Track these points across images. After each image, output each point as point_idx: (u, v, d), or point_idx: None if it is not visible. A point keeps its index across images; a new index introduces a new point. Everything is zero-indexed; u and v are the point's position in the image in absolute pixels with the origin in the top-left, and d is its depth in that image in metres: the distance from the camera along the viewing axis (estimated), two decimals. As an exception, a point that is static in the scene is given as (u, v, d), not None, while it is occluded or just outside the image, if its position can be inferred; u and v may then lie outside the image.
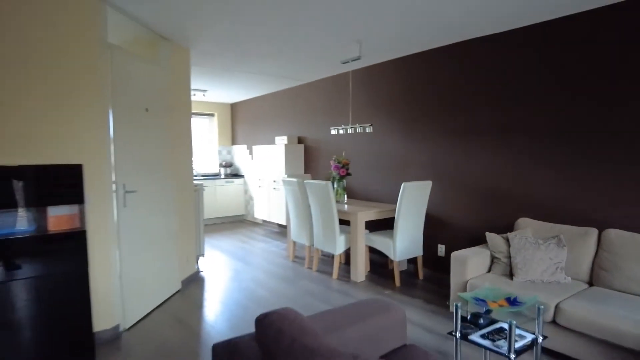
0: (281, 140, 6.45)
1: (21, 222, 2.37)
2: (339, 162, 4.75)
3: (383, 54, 4.43)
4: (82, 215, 2.52)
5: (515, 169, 3.56)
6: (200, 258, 4.73)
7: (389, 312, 1.82)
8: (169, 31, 3.60)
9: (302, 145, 6.34)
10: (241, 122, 8.18)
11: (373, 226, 4.82)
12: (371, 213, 4.19)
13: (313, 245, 4.56)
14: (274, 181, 6.52)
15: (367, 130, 4.43)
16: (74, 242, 2.48)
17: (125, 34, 3.53)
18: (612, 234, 2.86)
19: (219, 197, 7.66)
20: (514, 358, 2.01)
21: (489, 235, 3.27)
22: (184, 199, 4.11)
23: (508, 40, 3.56)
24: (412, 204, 3.98)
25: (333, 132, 4.89)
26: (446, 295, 3.69)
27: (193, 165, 4.25)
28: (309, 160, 6.24)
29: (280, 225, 6.94)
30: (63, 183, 2.44)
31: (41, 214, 2.42)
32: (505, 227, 3.65)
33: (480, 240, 3.80)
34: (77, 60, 2.69)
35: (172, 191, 3.76)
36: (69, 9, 2.65)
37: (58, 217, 2.48)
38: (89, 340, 2.58)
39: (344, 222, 5.11)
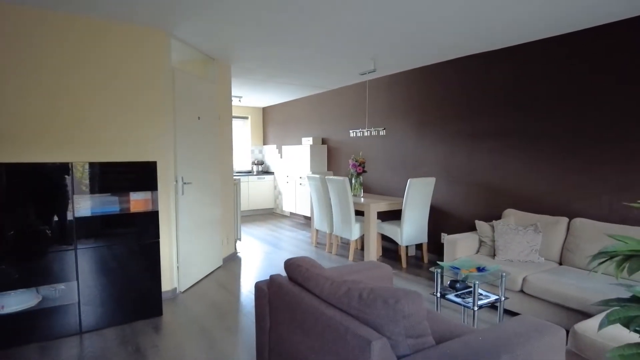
0: (307, 141, 7.20)
1: (112, 203, 3.21)
2: (356, 161, 5.45)
3: (395, 67, 5.09)
4: (154, 200, 3.35)
5: (506, 168, 4.16)
6: (238, 241, 5.54)
7: (379, 268, 2.53)
8: (215, 53, 4.40)
9: (325, 146, 7.07)
10: (272, 125, 9.00)
11: (386, 217, 5.49)
12: (382, 204, 4.88)
13: (333, 232, 5.28)
14: (300, 177, 7.29)
15: (381, 133, 5.11)
16: (149, 220, 3.31)
17: (181, 56, 4.36)
18: (578, 221, 3.44)
19: (252, 192, 8.50)
20: (477, 309, 2.68)
21: (478, 223, 3.90)
22: (226, 190, 4.93)
23: (499, 59, 4.16)
24: (417, 197, 4.63)
25: (352, 134, 5.59)
26: (444, 275, 4.34)
27: (233, 160, 5.05)
28: (331, 159, 6.97)
29: (305, 217, 7.70)
30: (142, 175, 3.27)
31: (126, 198, 3.26)
32: (495, 217, 4.26)
33: (475, 228, 4.42)
34: (151, 82, 3.53)
35: (217, 184, 4.58)
36: (145, 43, 3.49)
37: (137, 200, 3.31)
38: (157, 296, 3.39)
39: (359, 213, 5.80)
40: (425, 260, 4.91)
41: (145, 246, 3.29)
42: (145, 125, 3.53)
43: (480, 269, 2.92)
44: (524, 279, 3.17)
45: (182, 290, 3.91)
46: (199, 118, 4.15)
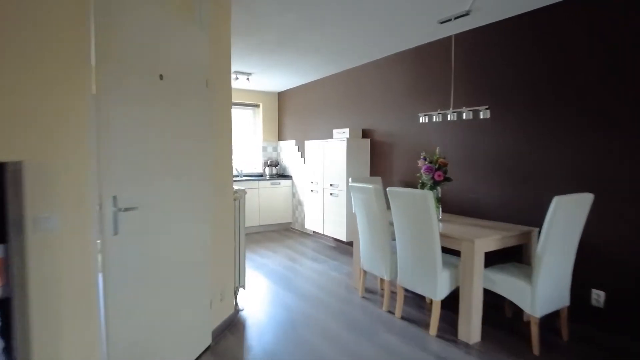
0: (341, 134, 5.14)
1: None
2: (432, 162, 3.37)
3: (502, 9, 3.00)
4: (6, 263, 1.32)
5: None
6: (241, 290, 3.50)
7: None
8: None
9: (367, 140, 5.00)
10: (290, 114, 6.94)
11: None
12: (493, 240, 2.79)
13: (397, 280, 3.21)
14: (331, 185, 5.23)
15: (482, 115, 3.03)
16: None
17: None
18: None
19: (263, 202, 6.47)
20: None
21: None
22: (220, 211, 2.89)
23: None
24: (565, 228, 2.54)
25: (422, 119, 3.52)
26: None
27: (233, 165, 3.02)
28: (378, 159, 4.89)
29: (336, 240, 5.63)
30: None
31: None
32: None
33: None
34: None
35: (202, 202, 2.54)
36: None
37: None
38: None
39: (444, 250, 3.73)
40: (564, 335, 2.79)
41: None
42: (20, 87, 1.51)
43: None
44: None
45: None
46: (161, 77, 2.12)
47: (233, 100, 6.80)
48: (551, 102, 3.01)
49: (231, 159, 3.00)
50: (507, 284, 2.72)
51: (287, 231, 6.70)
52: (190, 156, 2.40)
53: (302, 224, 6.47)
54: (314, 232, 6.23)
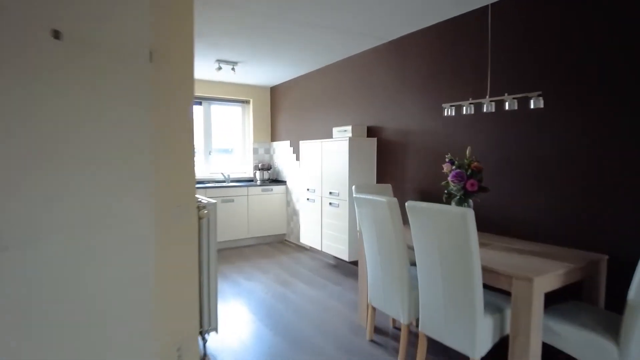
0: (342, 133, 4.36)
1: None
2: (461, 167, 2.59)
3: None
4: None
5: None
6: (212, 335, 2.71)
7: None
8: None
9: (373, 140, 4.21)
10: (284, 111, 6.16)
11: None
12: (556, 276, 2.00)
13: (418, 326, 2.42)
14: (331, 193, 4.43)
15: (533, 104, 2.25)
16: None
17: None
18: None
19: (253, 211, 5.68)
20: None
21: None
22: (178, 234, 2.09)
23: None
24: (668, 264, 1.75)
25: (447, 112, 2.74)
26: None
27: (195, 170, 2.23)
28: (386, 162, 4.09)
29: (337, 258, 4.82)
30: None
31: None
32: None
33: None
34: None
35: (139, 225, 1.74)
36: None
37: None
38: None
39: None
40: (657, 409, 2.00)
41: None
42: None
43: None
44: None
45: None
46: (56, 36, 1.34)
47: (219, 95, 6.02)
48: (634, 85, 2.22)
49: (193, 164, 2.21)
50: (578, 340, 1.93)
51: (280, 244, 5.90)
52: (117, 157, 1.60)
53: (298, 237, 5.68)
54: (310, 247, 5.44)
